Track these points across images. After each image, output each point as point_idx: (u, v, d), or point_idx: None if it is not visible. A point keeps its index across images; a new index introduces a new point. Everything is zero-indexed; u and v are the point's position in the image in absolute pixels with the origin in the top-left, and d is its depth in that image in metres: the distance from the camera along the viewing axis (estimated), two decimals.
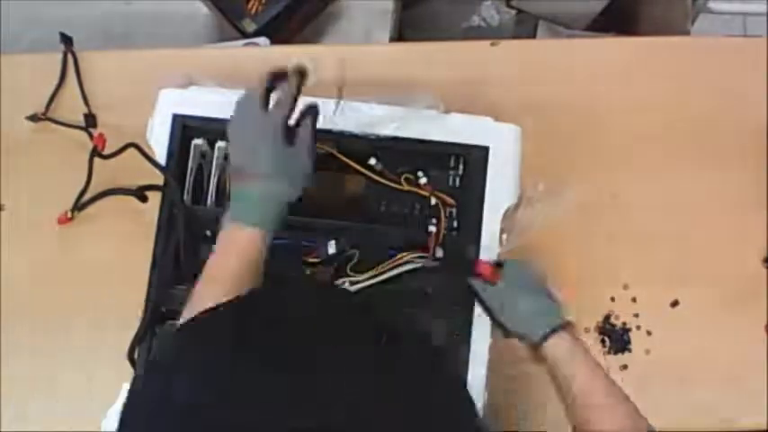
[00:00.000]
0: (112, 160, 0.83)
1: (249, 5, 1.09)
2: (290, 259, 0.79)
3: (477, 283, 0.76)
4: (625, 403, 0.66)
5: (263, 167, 0.65)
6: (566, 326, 0.71)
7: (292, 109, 0.68)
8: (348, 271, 0.78)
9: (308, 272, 0.78)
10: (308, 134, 0.68)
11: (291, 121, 0.68)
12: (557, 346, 0.70)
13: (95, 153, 0.84)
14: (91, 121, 0.93)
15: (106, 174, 0.88)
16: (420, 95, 0.81)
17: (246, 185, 0.66)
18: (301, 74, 0.69)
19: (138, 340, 0.76)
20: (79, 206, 0.89)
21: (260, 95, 0.67)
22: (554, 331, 0.71)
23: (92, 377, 0.85)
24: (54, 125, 0.94)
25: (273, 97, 0.68)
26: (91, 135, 0.92)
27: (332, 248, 0.77)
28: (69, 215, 0.89)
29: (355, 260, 0.78)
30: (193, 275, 0.77)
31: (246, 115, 0.67)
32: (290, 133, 0.67)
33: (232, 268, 0.64)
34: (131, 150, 0.81)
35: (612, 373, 0.86)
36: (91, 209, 0.90)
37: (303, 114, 0.69)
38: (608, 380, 0.68)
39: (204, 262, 0.77)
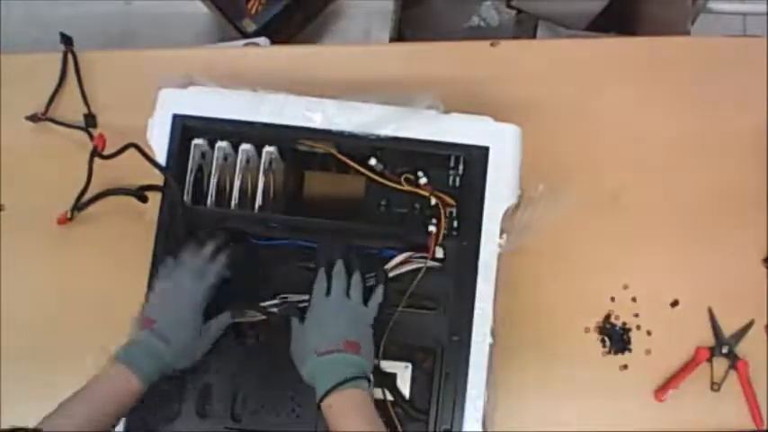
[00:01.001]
0: (112, 160, 0.83)
1: (249, 5, 1.09)
2: (289, 260, 0.79)
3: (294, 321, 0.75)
4: None
5: (166, 328, 0.71)
6: (355, 379, 0.68)
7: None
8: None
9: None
10: (219, 329, 0.75)
11: None
12: (334, 404, 0.67)
13: (95, 153, 0.84)
14: (91, 121, 0.93)
15: (106, 174, 0.88)
16: (420, 95, 0.81)
17: (150, 337, 0.71)
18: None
19: None
20: (79, 206, 0.89)
21: (205, 258, 0.76)
22: (335, 388, 0.67)
23: (91, 377, 0.85)
24: (54, 125, 0.94)
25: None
26: (91, 135, 0.92)
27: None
28: (69, 215, 0.89)
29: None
30: None
31: (185, 276, 0.75)
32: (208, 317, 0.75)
33: (94, 405, 0.67)
34: (131, 150, 0.81)
35: (612, 373, 0.86)
36: (91, 209, 0.90)
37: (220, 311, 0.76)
38: None
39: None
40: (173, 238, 0.79)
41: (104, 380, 0.69)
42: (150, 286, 0.77)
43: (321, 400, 0.68)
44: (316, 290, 0.75)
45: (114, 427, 0.69)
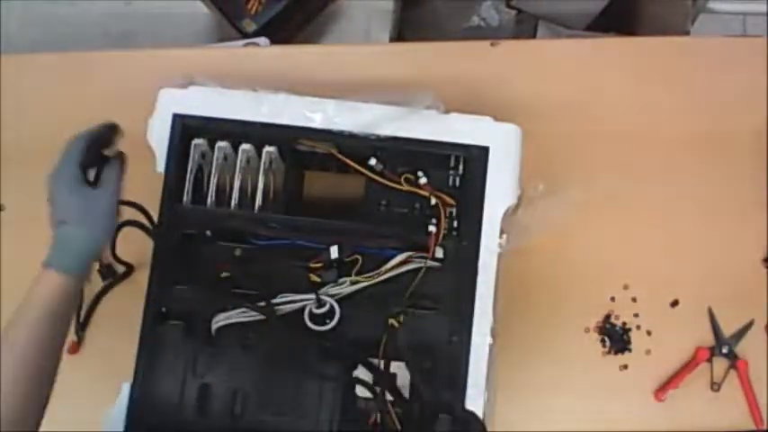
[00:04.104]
0: None
1: (249, 5, 1.09)
2: (289, 260, 0.79)
3: None
4: None
5: (59, 213, 0.67)
6: None
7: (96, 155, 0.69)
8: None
9: (311, 276, 0.78)
10: (113, 177, 0.69)
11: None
12: None
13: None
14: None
15: None
16: (420, 95, 0.81)
17: (54, 231, 0.67)
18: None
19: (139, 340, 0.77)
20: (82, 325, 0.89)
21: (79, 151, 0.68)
22: None
23: (91, 377, 0.85)
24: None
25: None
26: None
27: (334, 254, 0.77)
28: (76, 339, 0.88)
29: (358, 266, 0.78)
30: (194, 275, 0.79)
31: (60, 167, 0.68)
32: (97, 177, 0.69)
33: (28, 322, 0.64)
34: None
35: (612, 372, 0.86)
36: None
37: (109, 159, 0.71)
38: None
39: (204, 262, 0.78)
40: (173, 238, 0.79)
41: (32, 294, 0.65)
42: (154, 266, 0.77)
43: None
44: None
45: (64, 336, 0.67)
